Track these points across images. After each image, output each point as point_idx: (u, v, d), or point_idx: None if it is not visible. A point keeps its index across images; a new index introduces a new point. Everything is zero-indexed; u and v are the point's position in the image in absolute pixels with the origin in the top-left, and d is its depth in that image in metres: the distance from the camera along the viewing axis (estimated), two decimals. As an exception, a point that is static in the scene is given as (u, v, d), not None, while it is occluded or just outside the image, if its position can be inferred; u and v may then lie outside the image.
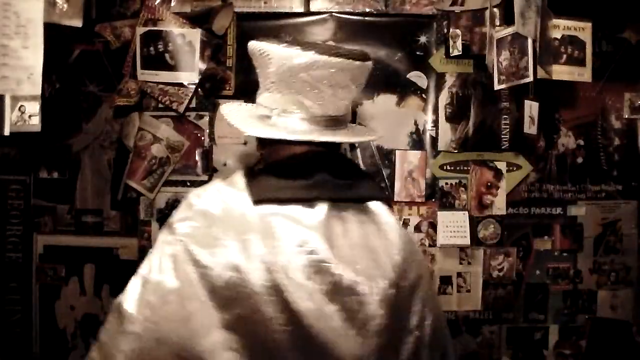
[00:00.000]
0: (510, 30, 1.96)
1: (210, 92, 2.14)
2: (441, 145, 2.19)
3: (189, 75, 2.07)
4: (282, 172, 1.03)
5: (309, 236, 0.96)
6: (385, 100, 2.18)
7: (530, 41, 1.91)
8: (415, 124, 2.19)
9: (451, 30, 2.14)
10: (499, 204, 2.20)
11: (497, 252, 2.22)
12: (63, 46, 2.15)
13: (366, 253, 1.00)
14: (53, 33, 1.45)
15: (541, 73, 1.96)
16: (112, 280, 2.21)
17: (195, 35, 2.06)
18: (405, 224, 2.18)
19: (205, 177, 2.17)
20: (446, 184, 2.20)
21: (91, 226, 2.22)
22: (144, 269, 1.08)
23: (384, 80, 2.17)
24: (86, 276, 2.22)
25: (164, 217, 2.15)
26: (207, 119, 2.16)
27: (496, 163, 2.20)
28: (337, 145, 1.14)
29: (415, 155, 2.19)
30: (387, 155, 2.19)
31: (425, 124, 2.20)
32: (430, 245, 2.19)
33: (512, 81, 1.99)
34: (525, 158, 2.22)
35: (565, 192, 2.27)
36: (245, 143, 2.14)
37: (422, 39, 2.18)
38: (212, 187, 1.11)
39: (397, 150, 2.18)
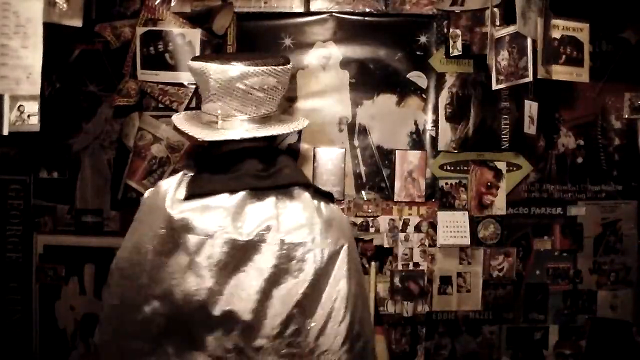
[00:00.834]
0: (509, 30, 1.96)
1: (210, 92, 2.14)
2: (441, 145, 2.19)
3: (189, 75, 2.06)
4: (217, 167, 1.23)
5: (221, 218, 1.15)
6: (385, 100, 2.18)
7: (530, 41, 1.91)
8: (415, 124, 2.19)
9: (451, 30, 2.14)
10: (499, 204, 2.20)
11: (497, 252, 2.22)
12: (63, 46, 2.15)
13: (264, 224, 1.16)
14: (53, 33, 1.45)
15: (541, 73, 1.96)
16: (112, 280, 2.21)
17: (195, 35, 2.06)
18: (406, 224, 2.18)
19: (205, 177, 2.16)
20: (446, 184, 2.20)
21: (91, 226, 2.22)
22: None
23: (384, 80, 2.17)
24: (86, 276, 2.22)
25: (163, 217, 2.15)
26: (207, 119, 2.16)
27: (496, 163, 2.20)
28: (272, 138, 1.29)
29: (415, 155, 2.19)
30: (387, 155, 2.19)
31: (425, 124, 2.20)
32: (430, 245, 2.19)
33: (510, 81, 1.99)
34: (525, 158, 2.22)
35: (565, 192, 2.27)
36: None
37: (422, 39, 2.18)
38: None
39: (397, 150, 2.18)
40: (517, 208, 2.24)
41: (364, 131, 2.18)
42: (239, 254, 1.14)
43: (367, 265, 2.12)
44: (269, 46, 2.14)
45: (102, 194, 2.23)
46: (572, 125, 2.27)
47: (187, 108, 2.12)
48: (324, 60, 2.16)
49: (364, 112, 2.18)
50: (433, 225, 2.19)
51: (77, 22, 1.65)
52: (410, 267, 2.19)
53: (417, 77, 2.19)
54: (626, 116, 2.29)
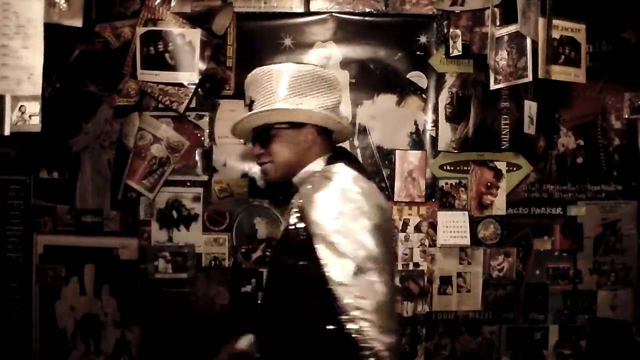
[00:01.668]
0: (508, 29, 1.96)
1: (210, 92, 2.14)
2: (441, 145, 2.19)
3: (189, 75, 2.07)
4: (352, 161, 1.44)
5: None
6: (385, 100, 2.18)
7: (529, 41, 1.91)
8: (415, 124, 2.19)
9: (451, 30, 2.14)
10: (499, 204, 2.20)
11: (497, 252, 2.22)
12: (63, 46, 2.15)
13: None
14: (53, 33, 1.45)
15: (542, 73, 1.96)
16: (112, 280, 2.21)
17: (195, 35, 2.06)
18: (405, 223, 2.18)
19: (205, 177, 2.17)
20: (446, 184, 2.20)
21: (91, 226, 2.22)
22: None
23: (384, 80, 2.17)
24: (86, 276, 2.23)
25: (164, 217, 2.15)
26: (207, 119, 2.16)
27: (496, 163, 2.20)
28: None
29: (415, 155, 2.19)
30: (387, 155, 2.19)
31: (425, 124, 2.20)
32: (430, 245, 2.19)
33: (509, 81, 1.99)
34: (525, 158, 2.22)
35: (565, 192, 2.27)
36: (245, 143, 2.14)
37: (422, 39, 2.18)
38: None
39: (397, 150, 2.18)
40: (517, 208, 2.24)
41: (364, 131, 2.18)
42: None
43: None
44: (269, 46, 2.14)
45: (102, 194, 2.23)
46: (572, 125, 2.27)
47: (187, 108, 2.12)
48: (324, 60, 2.16)
49: (364, 112, 2.18)
50: (433, 226, 2.19)
51: (77, 22, 1.65)
52: (410, 267, 2.19)
53: (417, 77, 2.19)
54: (626, 116, 2.29)
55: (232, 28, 2.13)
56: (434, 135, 2.19)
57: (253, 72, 1.43)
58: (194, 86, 2.09)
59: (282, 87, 1.38)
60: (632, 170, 2.29)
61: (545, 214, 2.26)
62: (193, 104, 2.14)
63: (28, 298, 2.24)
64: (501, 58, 1.99)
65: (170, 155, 2.14)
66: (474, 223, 2.19)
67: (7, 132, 1.34)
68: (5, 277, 2.24)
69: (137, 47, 2.06)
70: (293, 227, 1.28)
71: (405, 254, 2.18)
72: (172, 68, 2.07)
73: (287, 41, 2.15)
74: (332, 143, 1.47)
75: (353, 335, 1.15)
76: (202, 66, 2.07)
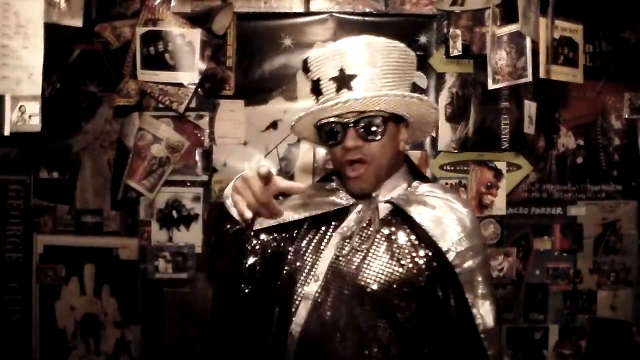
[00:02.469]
0: (507, 29, 1.96)
1: (210, 92, 2.14)
2: (441, 145, 2.19)
3: (189, 75, 2.07)
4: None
5: None
6: (385, 100, 2.18)
7: (529, 41, 1.91)
8: (415, 124, 2.19)
9: (451, 30, 2.14)
10: (499, 204, 2.20)
11: (497, 252, 2.22)
12: (63, 46, 2.15)
13: None
14: (53, 33, 1.45)
15: (542, 73, 1.96)
16: (112, 280, 2.21)
17: (195, 35, 2.06)
18: (405, 224, 2.18)
19: (205, 177, 2.16)
20: (446, 184, 2.20)
21: (91, 226, 2.22)
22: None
23: (384, 80, 2.17)
24: (86, 276, 2.23)
25: (164, 217, 2.15)
26: (207, 119, 2.16)
27: (496, 163, 2.20)
28: None
29: (415, 155, 2.18)
30: (387, 155, 2.18)
31: (425, 124, 2.19)
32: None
33: (508, 81, 1.99)
34: (525, 158, 2.22)
35: (565, 192, 2.27)
36: (245, 143, 2.15)
37: (422, 39, 2.17)
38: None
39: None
40: (517, 208, 2.24)
41: (364, 131, 2.18)
42: None
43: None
44: (269, 46, 2.14)
45: (102, 194, 2.23)
46: (572, 125, 2.27)
47: (187, 108, 2.12)
48: (324, 60, 2.15)
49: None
50: (433, 225, 2.18)
51: (77, 22, 1.65)
52: (410, 267, 2.18)
53: (417, 77, 2.18)
54: (626, 116, 2.29)
55: (232, 28, 2.13)
56: (434, 135, 2.19)
57: (341, 42, 1.15)
58: (194, 86, 2.09)
59: (396, 67, 1.13)
60: (632, 170, 2.29)
61: (545, 214, 2.26)
62: (193, 104, 2.14)
63: (28, 298, 2.24)
64: (500, 58, 1.99)
65: (170, 155, 2.14)
66: (474, 223, 2.19)
67: (7, 132, 1.34)
68: (5, 277, 2.24)
69: (137, 47, 2.06)
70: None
71: (405, 254, 2.18)
72: (172, 68, 2.07)
73: (287, 41, 2.15)
74: None
75: None
76: (202, 66, 2.07)
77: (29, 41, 1.34)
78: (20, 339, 2.23)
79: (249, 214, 0.96)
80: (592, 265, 2.28)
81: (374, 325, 1.06)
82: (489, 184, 2.20)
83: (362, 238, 1.13)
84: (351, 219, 1.18)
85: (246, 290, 1.16)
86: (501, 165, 2.20)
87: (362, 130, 1.11)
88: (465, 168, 2.20)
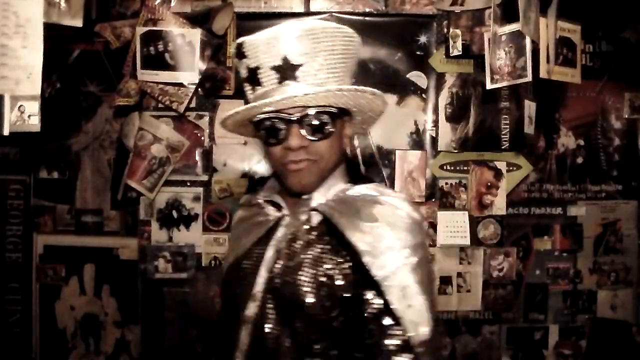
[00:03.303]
0: (510, 27, 1.95)
1: (210, 92, 2.14)
2: (441, 145, 2.19)
3: (189, 75, 2.07)
4: None
5: None
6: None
7: (528, 41, 1.91)
8: (415, 124, 2.19)
9: (451, 30, 2.13)
10: (499, 204, 2.20)
11: (497, 252, 2.22)
12: (63, 46, 2.15)
13: None
14: (53, 33, 1.45)
15: (543, 73, 1.96)
16: (112, 280, 2.21)
17: (195, 35, 2.05)
18: (405, 224, 2.18)
19: (205, 177, 2.17)
20: (446, 184, 2.20)
21: (91, 226, 2.23)
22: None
23: (384, 80, 2.16)
24: (86, 276, 2.23)
25: (164, 217, 2.15)
26: (207, 119, 2.16)
27: (496, 163, 2.20)
28: None
29: (415, 155, 2.19)
30: (387, 155, 2.19)
31: (425, 124, 2.19)
32: (430, 245, 2.19)
33: (507, 80, 1.99)
34: (525, 158, 2.22)
35: (565, 192, 2.27)
36: (245, 143, 2.14)
37: (422, 39, 2.18)
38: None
39: (397, 150, 2.18)
40: (517, 208, 2.24)
41: (364, 131, 2.18)
42: None
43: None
44: (269, 46, 2.14)
45: (102, 194, 2.23)
46: (572, 125, 2.27)
47: (187, 108, 2.12)
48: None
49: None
50: (433, 225, 2.19)
51: (77, 22, 1.65)
52: (410, 267, 2.18)
53: (417, 77, 2.19)
54: (626, 116, 2.29)
55: (232, 28, 2.13)
56: (434, 135, 2.19)
57: (282, 26, 1.01)
58: (194, 86, 2.08)
59: (342, 54, 1.03)
60: (632, 170, 2.29)
61: (545, 214, 2.26)
62: (193, 104, 2.14)
63: (28, 298, 2.24)
64: (499, 58, 1.99)
65: (170, 155, 2.14)
66: (474, 223, 2.19)
67: (6, 132, 1.34)
68: (5, 277, 2.24)
69: (137, 47, 2.06)
70: None
71: (405, 254, 2.17)
72: (172, 68, 2.07)
73: (287, 41, 2.14)
74: None
75: None
76: (202, 66, 2.07)
77: (28, 41, 1.34)
78: (20, 339, 2.23)
79: None
80: (592, 265, 2.28)
81: (313, 338, 1.02)
82: (489, 184, 2.20)
83: (292, 251, 1.08)
84: (279, 233, 1.12)
85: None
86: (501, 165, 2.20)
87: (308, 127, 1.01)
88: (465, 168, 2.20)
